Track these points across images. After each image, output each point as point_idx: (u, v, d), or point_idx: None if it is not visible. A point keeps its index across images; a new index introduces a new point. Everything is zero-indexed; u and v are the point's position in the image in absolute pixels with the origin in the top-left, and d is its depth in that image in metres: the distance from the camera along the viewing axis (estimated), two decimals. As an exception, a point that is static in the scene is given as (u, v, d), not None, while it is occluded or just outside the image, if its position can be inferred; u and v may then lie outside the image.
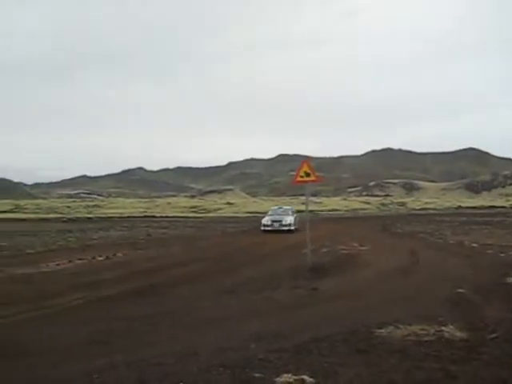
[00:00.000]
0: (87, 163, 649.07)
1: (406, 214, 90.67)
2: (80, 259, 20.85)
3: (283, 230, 37.00)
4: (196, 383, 5.75)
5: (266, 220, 38.94)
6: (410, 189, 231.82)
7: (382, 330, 8.26)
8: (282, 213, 40.39)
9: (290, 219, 38.25)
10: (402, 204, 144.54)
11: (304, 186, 18.93)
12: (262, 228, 38.13)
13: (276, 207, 45.00)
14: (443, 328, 8.39)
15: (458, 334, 8.13)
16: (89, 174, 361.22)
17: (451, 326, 8.48)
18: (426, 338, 7.87)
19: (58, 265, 19.35)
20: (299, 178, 17.65)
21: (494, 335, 8.10)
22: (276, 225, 37.83)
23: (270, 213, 41.43)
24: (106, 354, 7.33)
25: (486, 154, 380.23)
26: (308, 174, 17.44)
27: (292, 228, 37.41)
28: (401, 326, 8.43)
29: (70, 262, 20.16)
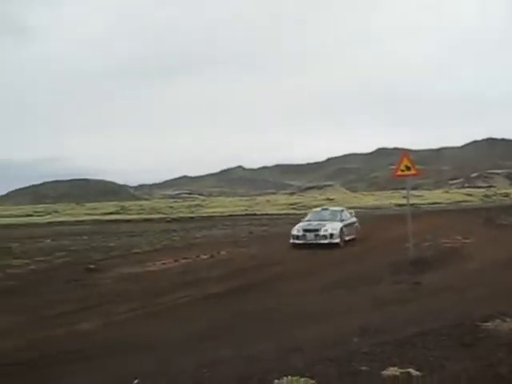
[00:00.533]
0: (188, 164, 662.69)
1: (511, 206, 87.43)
2: (185, 258, 21.48)
3: (321, 244, 24.77)
4: (304, 375, 5.88)
5: (296, 228, 26.17)
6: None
7: (488, 324, 8.12)
8: (326, 217, 27.63)
9: (332, 228, 25.53)
10: (507, 195, 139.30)
11: (404, 180, 18.75)
12: (292, 241, 25.63)
13: (319, 209, 31.73)
14: (554, 321, 8.18)
15: None
16: (189, 174, 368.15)
17: None
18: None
19: (163, 264, 20.05)
20: (400, 172, 17.52)
21: None
22: (310, 236, 25.36)
23: (307, 217, 28.94)
24: (212, 348, 7.64)
25: None
26: (408, 168, 17.29)
27: (336, 241, 24.88)
28: (508, 320, 8.27)
29: (175, 261, 20.82)
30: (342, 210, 29.34)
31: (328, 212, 28.93)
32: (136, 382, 6.14)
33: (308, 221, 27.46)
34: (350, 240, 26.17)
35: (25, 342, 9.74)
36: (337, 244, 24.74)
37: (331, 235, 25.09)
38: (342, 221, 26.57)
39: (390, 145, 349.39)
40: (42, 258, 24.38)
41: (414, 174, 17.65)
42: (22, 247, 32.28)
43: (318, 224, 26.21)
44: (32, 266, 21.61)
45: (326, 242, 24.78)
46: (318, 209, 31.63)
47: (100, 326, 10.83)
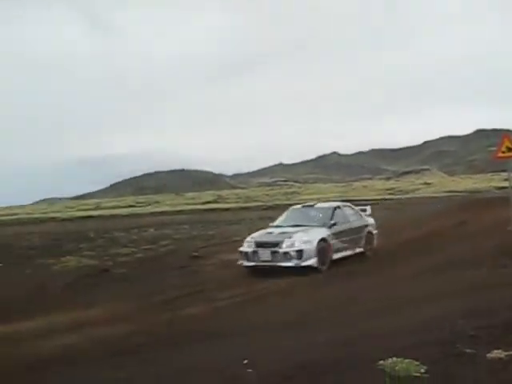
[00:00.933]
0: (282, 151, 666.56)
1: None
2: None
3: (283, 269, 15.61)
4: (407, 356, 5.96)
5: (248, 241, 16.94)
6: None
7: None
8: (307, 219, 17.91)
9: (304, 239, 16.09)
10: None
11: (506, 162, 18.22)
12: (240, 261, 16.72)
13: (299, 206, 20.31)
14: None
15: None
16: (284, 161, 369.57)
17: None
18: None
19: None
20: (501, 154, 17.05)
21: None
22: (264, 254, 16.05)
23: (278, 220, 18.97)
24: (311, 333, 7.85)
25: None
26: (510, 149, 16.81)
27: (307, 263, 15.78)
28: None
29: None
30: (337, 208, 18.70)
31: (312, 211, 18.85)
32: (245, 362, 6.39)
33: (275, 226, 18.07)
34: (344, 258, 17.47)
35: (136, 327, 10.33)
36: (311, 268, 15.75)
37: (298, 253, 15.73)
38: (330, 226, 17.25)
39: (489, 126, 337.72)
40: (148, 247, 25.38)
41: (516, 156, 17.16)
42: (127, 237, 33.64)
43: (281, 233, 16.70)
44: (139, 255, 22.57)
45: (289, 264, 15.63)
46: (298, 206, 20.46)
47: (205, 311, 11.30)
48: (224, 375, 6.13)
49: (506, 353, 6.06)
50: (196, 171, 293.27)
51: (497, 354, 6.06)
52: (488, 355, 6.04)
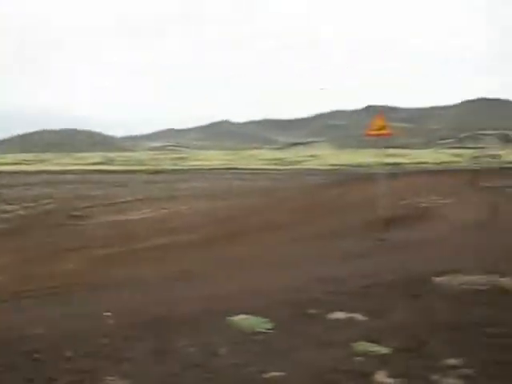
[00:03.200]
0: (175, 116, 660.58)
1: (500, 168, 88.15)
2: (165, 208, 22.00)
3: None
4: (257, 315, 6.45)
5: None
6: (506, 140, 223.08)
7: (440, 278, 8.66)
8: None
9: None
10: (496, 157, 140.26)
11: (377, 140, 18.96)
12: None
13: None
14: (502, 279, 8.69)
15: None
16: (176, 127, 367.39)
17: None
18: (481, 287, 8.20)
19: (144, 213, 20.57)
20: (372, 132, 17.79)
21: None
22: None
23: None
24: (181, 288, 8.20)
25: None
26: (381, 128, 17.58)
27: None
28: (458, 275, 8.78)
29: (156, 210, 21.35)
30: None
31: None
32: (107, 314, 6.67)
33: None
34: None
35: (9, 277, 10.37)
36: None
37: None
38: None
39: (380, 102, 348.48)
40: (31, 204, 24.93)
41: (385, 134, 17.92)
42: (11, 194, 32.83)
43: None
44: (21, 212, 22.19)
45: None
46: None
47: (80, 266, 11.45)
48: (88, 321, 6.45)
49: (347, 314, 6.67)
50: (87, 132, 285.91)
51: (338, 315, 6.65)
52: (329, 316, 6.62)
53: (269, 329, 6.08)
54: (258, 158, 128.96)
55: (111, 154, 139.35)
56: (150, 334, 5.95)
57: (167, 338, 5.84)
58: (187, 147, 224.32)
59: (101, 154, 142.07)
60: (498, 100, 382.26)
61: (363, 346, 5.55)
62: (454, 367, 5.10)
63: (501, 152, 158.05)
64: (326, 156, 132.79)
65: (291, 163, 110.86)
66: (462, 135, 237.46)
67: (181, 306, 7.14)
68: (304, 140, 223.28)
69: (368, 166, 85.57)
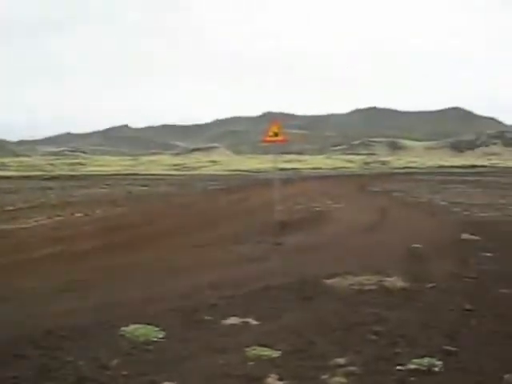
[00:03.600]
0: (72, 120, 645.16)
1: (387, 173, 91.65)
2: (59, 216, 21.44)
3: None
4: (151, 323, 6.46)
5: None
6: (394, 147, 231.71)
7: (330, 280, 8.97)
8: None
9: None
10: (385, 163, 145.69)
11: (272, 146, 19.25)
12: None
13: None
14: (387, 278, 9.10)
15: (400, 283, 8.83)
16: (73, 131, 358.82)
17: (395, 277, 9.19)
18: (368, 287, 8.60)
19: (36, 221, 19.95)
20: (268, 138, 18.07)
21: (432, 285, 8.83)
22: None
23: None
24: (69, 300, 8.04)
25: (470, 113, 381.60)
26: (277, 134, 17.88)
27: None
28: (348, 277, 9.14)
29: (49, 218, 20.76)
30: None
31: None
32: None
33: None
34: None
35: None
36: None
37: None
38: None
39: (277, 109, 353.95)
40: None
41: (281, 140, 18.26)
42: None
43: None
44: None
45: None
46: None
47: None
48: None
49: (241, 319, 6.80)
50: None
51: (232, 320, 6.77)
52: (224, 321, 6.73)
53: (161, 337, 6.11)
54: (158, 163, 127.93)
55: (4, 159, 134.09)
56: (36, 350, 5.77)
57: (55, 352, 5.68)
58: (85, 152, 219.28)
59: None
60: (387, 109, 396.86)
61: (256, 350, 5.69)
62: (341, 366, 5.33)
63: (389, 158, 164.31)
64: (226, 161, 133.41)
65: (191, 169, 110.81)
66: (354, 142, 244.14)
67: (70, 318, 6.97)
68: (203, 146, 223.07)
69: (266, 171, 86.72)
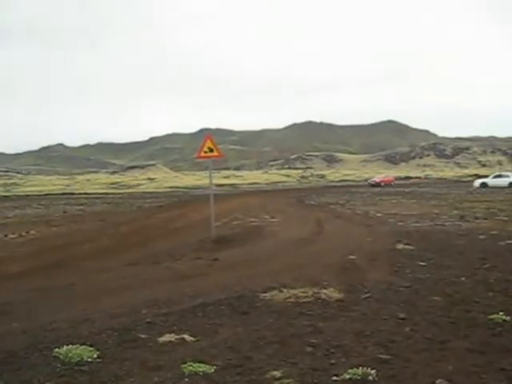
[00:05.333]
0: (4, 140, 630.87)
1: (324, 186, 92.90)
2: (-11, 238, 20.92)
3: None
4: (85, 343, 6.36)
5: None
6: (330, 161, 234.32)
7: (267, 294, 9.02)
8: None
9: None
10: (322, 176, 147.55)
11: (206, 161, 19.33)
12: None
13: None
14: (323, 290, 9.22)
15: (336, 295, 8.96)
16: (6, 151, 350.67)
17: (331, 289, 9.32)
18: (304, 300, 8.69)
19: (-35, 244, 19.40)
20: (203, 154, 18.14)
21: (367, 295, 8.99)
22: None
23: None
24: (4, 322, 7.83)
25: (404, 126, 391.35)
26: (211, 150, 17.97)
27: None
28: (284, 290, 9.21)
29: (-22, 241, 20.22)
30: None
31: None
32: None
33: None
34: None
35: None
36: None
37: None
38: None
39: (214, 125, 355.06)
40: None
41: (216, 156, 18.37)
42: None
43: None
44: None
45: None
46: None
47: None
48: None
49: (177, 336, 6.77)
50: None
51: (168, 337, 6.73)
52: (160, 339, 6.68)
53: (96, 357, 6.02)
54: (95, 182, 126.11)
55: None
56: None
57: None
58: (19, 172, 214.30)
59: None
60: (322, 123, 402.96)
61: (192, 366, 5.70)
62: (277, 379, 5.38)
63: (326, 172, 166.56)
64: (163, 179, 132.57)
65: (128, 187, 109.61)
66: (291, 156, 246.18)
67: (2, 341, 6.82)
68: (140, 163, 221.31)
69: (204, 187, 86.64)
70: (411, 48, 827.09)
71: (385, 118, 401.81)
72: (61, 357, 5.99)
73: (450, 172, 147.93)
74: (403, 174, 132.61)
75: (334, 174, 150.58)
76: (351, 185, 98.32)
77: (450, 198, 40.90)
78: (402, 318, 7.52)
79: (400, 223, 21.78)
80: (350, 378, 5.32)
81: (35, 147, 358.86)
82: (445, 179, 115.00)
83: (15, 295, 10.14)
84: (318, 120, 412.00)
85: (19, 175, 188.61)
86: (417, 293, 9.15)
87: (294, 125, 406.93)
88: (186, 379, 5.43)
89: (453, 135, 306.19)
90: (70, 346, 6.23)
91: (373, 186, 79.18)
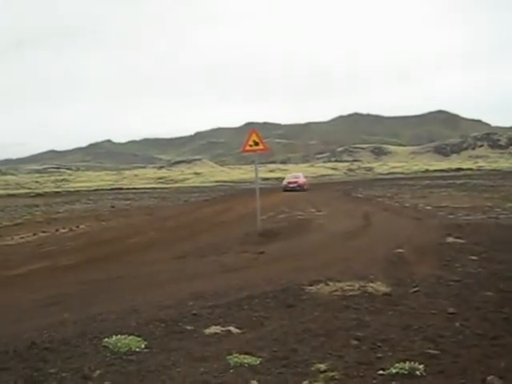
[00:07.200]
0: (55, 138, 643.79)
1: (372, 179, 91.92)
2: (44, 232, 21.39)
3: None
4: (134, 334, 6.46)
5: None
6: (378, 153, 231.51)
7: (313, 287, 8.99)
8: None
9: None
10: (370, 169, 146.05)
11: (253, 155, 19.29)
12: None
13: None
14: (370, 284, 9.13)
15: (383, 288, 8.86)
16: (56, 148, 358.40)
17: (378, 282, 9.23)
18: (350, 293, 8.62)
19: (22, 238, 19.89)
20: (248, 148, 18.12)
21: (415, 289, 8.84)
22: None
23: None
24: (56, 313, 8.00)
25: (456, 116, 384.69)
26: (257, 143, 17.93)
27: None
28: (330, 283, 9.17)
29: (34, 234, 20.72)
30: None
31: None
32: None
33: None
34: None
35: None
36: None
37: None
38: None
39: (259, 119, 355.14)
40: None
41: (261, 149, 18.31)
42: None
43: None
44: None
45: None
46: None
47: None
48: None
49: (223, 328, 6.81)
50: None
51: (214, 329, 6.78)
52: (206, 331, 6.74)
53: (143, 348, 6.10)
54: (142, 177, 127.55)
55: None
56: (20, 362, 5.81)
57: (39, 364, 5.73)
58: (69, 169, 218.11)
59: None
60: (369, 115, 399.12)
61: (237, 358, 5.71)
62: (322, 371, 5.35)
63: (374, 164, 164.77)
64: (209, 173, 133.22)
65: (174, 181, 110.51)
66: (338, 149, 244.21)
67: (54, 330, 6.99)
68: (186, 158, 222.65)
69: (250, 181, 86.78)
70: (464, 36, 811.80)
71: (434, 108, 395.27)
72: (110, 346, 6.12)
73: (504, 163, 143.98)
74: (454, 166, 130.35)
75: (381, 167, 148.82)
76: (400, 177, 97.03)
77: (504, 191, 39.72)
78: (452, 313, 7.36)
79: (450, 216, 21.40)
80: (397, 373, 5.22)
81: (83, 144, 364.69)
82: (499, 171, 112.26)
83: (66, 287, 10.37)
84: (364, 112, 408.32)
85: (69, 171, 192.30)
86: (467, 287, 8.93)
87: (340, 117, 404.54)
88: (232, 370, 5.45)
89: (508, 125, 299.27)
90: (119, 336, 6.35)
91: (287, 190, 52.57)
